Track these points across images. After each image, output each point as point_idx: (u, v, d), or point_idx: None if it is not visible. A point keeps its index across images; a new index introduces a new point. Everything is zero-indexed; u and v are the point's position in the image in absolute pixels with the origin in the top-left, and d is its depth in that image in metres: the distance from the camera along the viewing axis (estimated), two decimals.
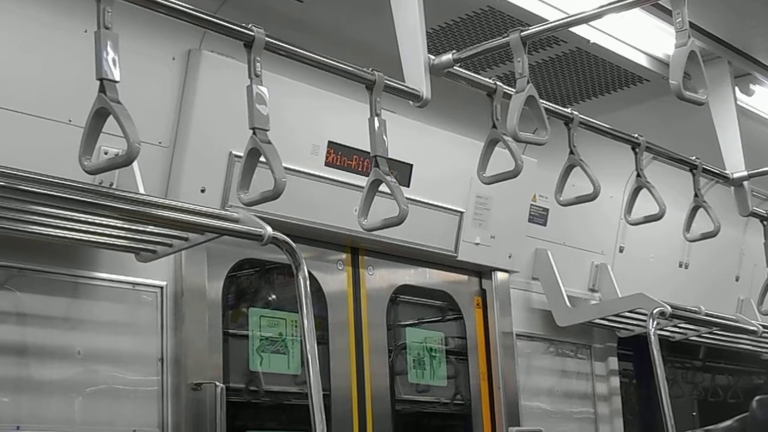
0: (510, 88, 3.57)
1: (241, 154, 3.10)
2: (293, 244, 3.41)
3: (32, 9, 3.37)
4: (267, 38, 3.06)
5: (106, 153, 3.34)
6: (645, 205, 4.34)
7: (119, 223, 3.24)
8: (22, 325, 3.39)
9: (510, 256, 5.26)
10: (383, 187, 3.38)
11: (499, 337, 5.26)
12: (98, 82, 2.65)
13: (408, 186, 4.58)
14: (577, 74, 4.84)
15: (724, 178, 4.93)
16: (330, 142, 4.26)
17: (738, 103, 4.98)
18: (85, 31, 3.33)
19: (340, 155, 4.30)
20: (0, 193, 2.78)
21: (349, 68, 3.35)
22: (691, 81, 3.24)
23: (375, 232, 3.67)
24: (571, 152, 3.96)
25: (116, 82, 2.65)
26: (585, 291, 5.85)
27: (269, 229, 3.34)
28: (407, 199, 3.39)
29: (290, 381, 4.36)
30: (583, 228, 5.75)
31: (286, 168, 3.03)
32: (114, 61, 2.65)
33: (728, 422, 6.44)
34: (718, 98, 4.84)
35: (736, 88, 5.00)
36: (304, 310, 3.36)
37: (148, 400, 3.68)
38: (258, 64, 3.04)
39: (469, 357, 5.21)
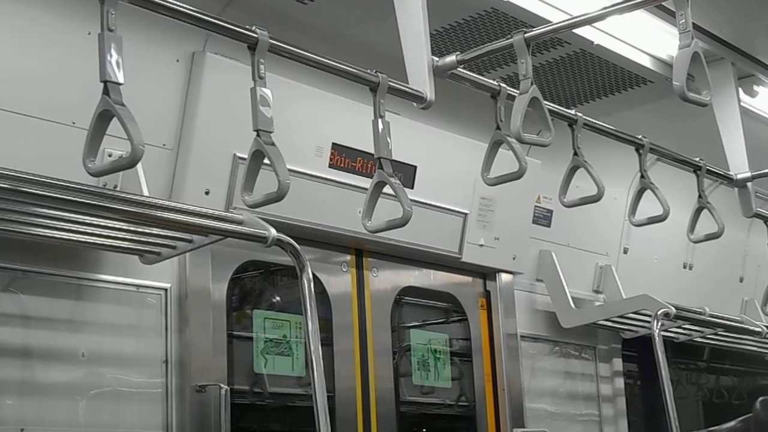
0: (514, 90, 3.57)
1: (245, 156, 3.10)
2: (297, 246, 3.41)
3: (36, 11, 3.38)
4: (271, 40, 3.06)
5: (110, 155, 3.34)
6: (649, 206, 4.34)
7: (123, 226, 3.24)
8: (26, 328, 3.39)
9: (514, 258, 5.26)
10: (387, 189, 3.38)
11: (503, 338, 5.25)
12: (102, 85, 2.65)
13: (412, 188, 4.58)
14: (581, 76, 4.83)
15: (727, 180, 4.93)
16: (334, 144, 4.26)
17: (741, 104, 4.97)
18: (89, 34, 3.34)
19: (344, 157, 4.30)
20: (4, 195, 2.78)
21: (353, 70, 3.35)
22: (694, 82, 3.24)
23: (379, 234, 3.67)
24: (575, 154, 3.96)
25: (120, 84, 2.65)
26: (589, 292, 5.85)
27: (273, 231, 3.34)
28: (411, 200, 3.40)
29: (294, 383, 4.36)
30: (587, 229, 5.74)
31: (290, 170, 3.03)
32: (118, 63, 2.65)
33: (732, 423, 6.42)
34: (722, 99, 4.84)
35: (740, 90, 4.99)
36: (309, 312, 3.35)
37: (152, 403, 3.68)
38: (262, 66, 3.04)
39: (473, 358, 5.20)
